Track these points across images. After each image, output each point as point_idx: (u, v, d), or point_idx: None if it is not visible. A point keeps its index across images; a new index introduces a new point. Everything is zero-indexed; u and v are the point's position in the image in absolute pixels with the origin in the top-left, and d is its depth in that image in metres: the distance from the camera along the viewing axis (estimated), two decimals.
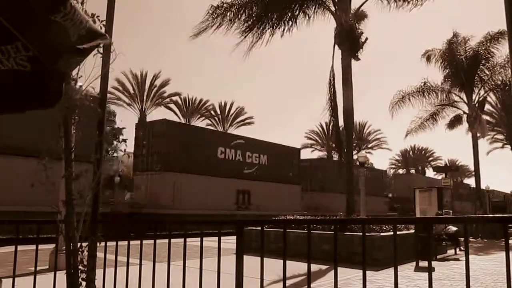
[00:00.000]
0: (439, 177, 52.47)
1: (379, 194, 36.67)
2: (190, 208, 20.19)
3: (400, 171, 62.96)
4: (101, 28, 3.12)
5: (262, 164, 26.87)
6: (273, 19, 13.71)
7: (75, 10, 2.23)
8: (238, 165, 24.95)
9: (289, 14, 13.78)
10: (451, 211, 18.39)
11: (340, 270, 3.20)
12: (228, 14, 13.49)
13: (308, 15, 14.03)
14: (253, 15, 13.58)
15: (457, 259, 11.31)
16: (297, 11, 13.83)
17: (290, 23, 13.86)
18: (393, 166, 65.08)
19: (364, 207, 17.38)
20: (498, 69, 22.73)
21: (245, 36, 13.77)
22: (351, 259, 7.43)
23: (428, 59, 24.45)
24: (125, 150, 37.78)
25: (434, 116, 25.21)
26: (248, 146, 25.96)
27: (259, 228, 3.51)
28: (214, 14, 13.44)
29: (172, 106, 43.02)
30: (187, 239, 3.56)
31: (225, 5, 13.48)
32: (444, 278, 8.06)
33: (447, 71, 23.85)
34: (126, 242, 3.75)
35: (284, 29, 13.86)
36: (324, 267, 8.13)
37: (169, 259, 3.58)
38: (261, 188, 25.41)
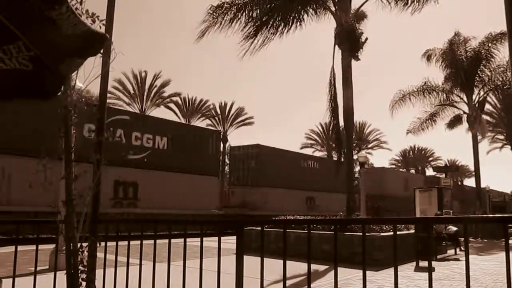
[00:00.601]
0: (424, 172, 51.79)
1: (344, 191, 31.14)
2: (30, 204, 14.00)
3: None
4: (100, 27, 3.12)
5: (158, 148, 20.48)
6: (276, 23, 13.68)
7: (72, 13, 2.23)
8: (119, 148, 18.22)
9: (292, 17, 13.75)
10: (451, 211, 18.41)
11: (340, 270, 3.20)
12: (229, 13, 13.47)
13: (309, 15, 14.03)
14: (253, 18, 13.54)
15: (457, 259, 11.31)
16: (300, 13, 13.80)
17: (293, 25, 13.84)
18: (393, 166, 65.10)
19: (364, 206, 17.38)
20: (499, 70, 22.74)
21: (251, 43, 13.72)
22: (351, 259, 7.44)
23: (429, 58, 24.48)
24: None
25: (433, 117, 25.23)
26: (135, 125, 19.71)
27: (259, 228, 3.51)
28: (214, 14, 13.42)
29: (172, 106, 43.05)
30: (187, 239, 3.56)
31: (225, 5, 13.46)
32: (444, 278, 8.06)
33: (447, 70, 23.88)
34: (126, 242, 3.75)
35: (286, 32, 13.82)
36: (324, 267, 8.13)
37: (169, 259, 3.58)
38: (157, 180, 19.74)
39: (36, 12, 2.16)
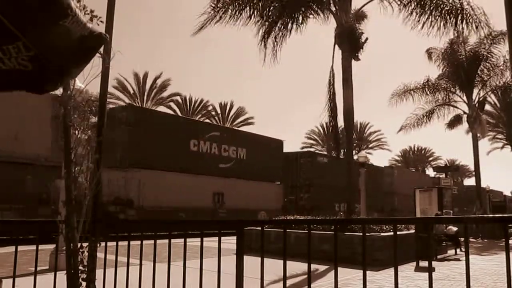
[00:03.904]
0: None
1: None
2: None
3: None
4: (98, 25, 3.11)
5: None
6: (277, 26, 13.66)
7: (77, 11, 2.25)
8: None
9: (292, 18, 13.71)
10: (451, 211, 18.42)
11: (340, 270, 3.20)
12: (230, 8, 13.42)
13: (309, 16, 14.01)
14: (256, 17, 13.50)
15: (457, 259, 11.30)
16: (301, 15, 13.78)
17: (294, 26, 13.81)
18: (394, 166, 65.14)
19: (364, 206, 17.36)
20: (498, 69, 22.74)
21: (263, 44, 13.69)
22: (352, 259, 7.43)
23: (430, 56, 24.44)
24: None
25: (430, 114, 25.12)
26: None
27: (259, 228, 3.51)
28: (215, 8, 13.37)
29: (173, 106, 43.09)
30: (187, 239, 3.56)
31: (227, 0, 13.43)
32: (444, 278, 8.06)
33: (447, 70, 23.86)
34: (126, 243, 3.75)
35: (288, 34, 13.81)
36: (324, 267, 8.13)
37: (169, 259, 3.58)
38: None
39: (49, 22, 2.18)
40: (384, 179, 35.72)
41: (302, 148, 51.52)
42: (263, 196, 23.71)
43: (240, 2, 13.41)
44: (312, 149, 51.88)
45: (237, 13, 13.40)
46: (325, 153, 48.42)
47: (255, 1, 13.49)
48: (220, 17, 13.41)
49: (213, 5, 13.33)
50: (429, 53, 24.40)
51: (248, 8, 13.46)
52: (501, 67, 22.58)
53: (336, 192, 25.34)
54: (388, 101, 23.77)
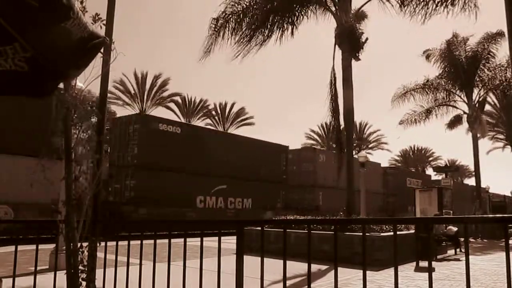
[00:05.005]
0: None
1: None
2: None
3: None
4: (101, 27, 3.12)
5: None
6: (275, 24, 13.63)
7: (79, 14, 2.26)
8: None
9: (291, 18, 13.70)
10: (451, 212, 18.41)
11: (340, 270, 3.20)
12: (229, 24, 13.40)
13: (309, 16, 14.01)
14: (255, 21, 13.44)
15: (457, 260, 11.30)
16: (299, 14, 13.77)
17: (292, 26, 13.79)
18: (394, 166, 65.16)
19: (364, 206, 17.35)
20: (498, 69, 22.74)
21: (250, 40, 13.61)
22: (351, 259, 7.43)
23: (428, 57, 24.46)
24: None
25: (428, 112, 25.10)
26: None
27: (259, 228, 3.52)
28: (216, 27, 13.36)
29: (173, 106, 43.09)
30: (187, 239, 3.56)
31: (226, 14, 13.41)
32: (444, 278, 8.06)
33: (446, 70, 23.86)
34: (126, 242, 3.75)
35: (285, 33, 13.78)
36: (324, 267, 8.13)
37: (169, 259, 3.58)
38: None
39: (50, 24, 2.18)
40: (302, 167, 26.17)
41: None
42: (14, 181, 13.47)
43: (240, 15, 13.40)
44: None
45: (238, 27, 13.39)
46: None
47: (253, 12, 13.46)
48: (223, 34, 13.40)
49: (214, 25, 13.33)
50: (427, 55, 24.41)
51: (247, 19, 13.45)
52: (501, 67, 22.60)
53: (198, 179, 18.01)
54: (391, 104, 23.83)
